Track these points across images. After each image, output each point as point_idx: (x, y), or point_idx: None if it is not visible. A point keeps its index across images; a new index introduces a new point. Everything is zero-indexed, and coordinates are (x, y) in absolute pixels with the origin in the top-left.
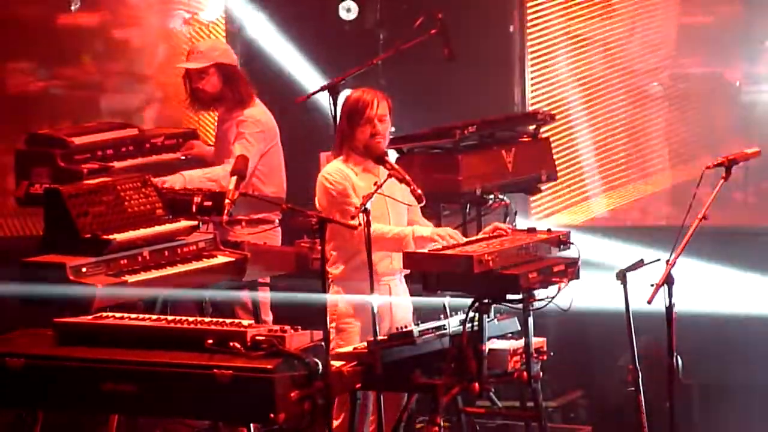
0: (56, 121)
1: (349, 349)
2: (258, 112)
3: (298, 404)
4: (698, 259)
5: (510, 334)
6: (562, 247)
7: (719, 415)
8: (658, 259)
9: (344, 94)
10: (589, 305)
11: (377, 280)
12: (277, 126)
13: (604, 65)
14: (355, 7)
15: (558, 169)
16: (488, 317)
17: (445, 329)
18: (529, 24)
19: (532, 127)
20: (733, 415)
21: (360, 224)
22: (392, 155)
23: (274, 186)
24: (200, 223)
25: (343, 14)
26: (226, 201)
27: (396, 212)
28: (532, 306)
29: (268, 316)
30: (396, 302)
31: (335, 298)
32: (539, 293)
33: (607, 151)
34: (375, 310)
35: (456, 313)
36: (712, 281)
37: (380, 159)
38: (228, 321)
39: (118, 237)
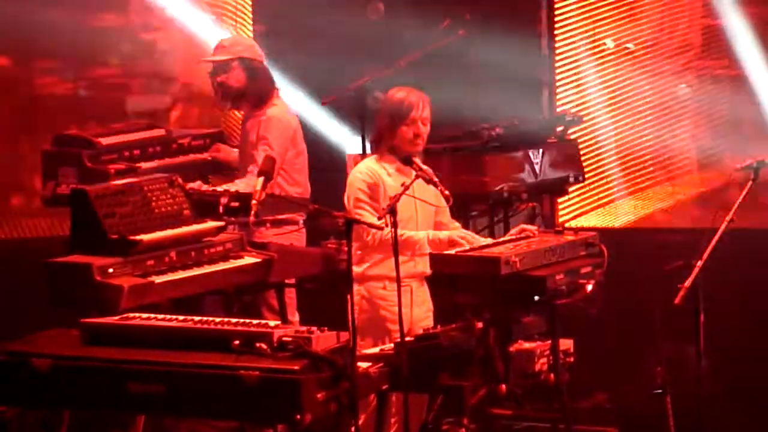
0: (83, 121)
1: (375, 350)
2: (279, 111)
3: (324, 405)
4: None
5: (537, 336)
6: (589, 248)
7: (748, 419)
8: (685, 261)
9: (375, 92)
10: (616, 306)
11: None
12: (302, 128)
13: (631, 67)
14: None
15: (585, 170)
16: (515, 318)
17: (472, 330)
18: (556, 26)
19: (559, 129)
20: (762, 418)
21: (386, 224)
22: None
23: (298, 186)
24: (227, 224)
25: (371, 15)
26: (253, 202)
27: (424, 214)
28: (559, 307)
29: (295, 317)
30: (416, 304)
31: (357, 297)
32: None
33: (634, 152)
34: (401, 310)
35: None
36: (741, 284)
37: (407, 160)
38: (254, 322)
39: (145, 238)
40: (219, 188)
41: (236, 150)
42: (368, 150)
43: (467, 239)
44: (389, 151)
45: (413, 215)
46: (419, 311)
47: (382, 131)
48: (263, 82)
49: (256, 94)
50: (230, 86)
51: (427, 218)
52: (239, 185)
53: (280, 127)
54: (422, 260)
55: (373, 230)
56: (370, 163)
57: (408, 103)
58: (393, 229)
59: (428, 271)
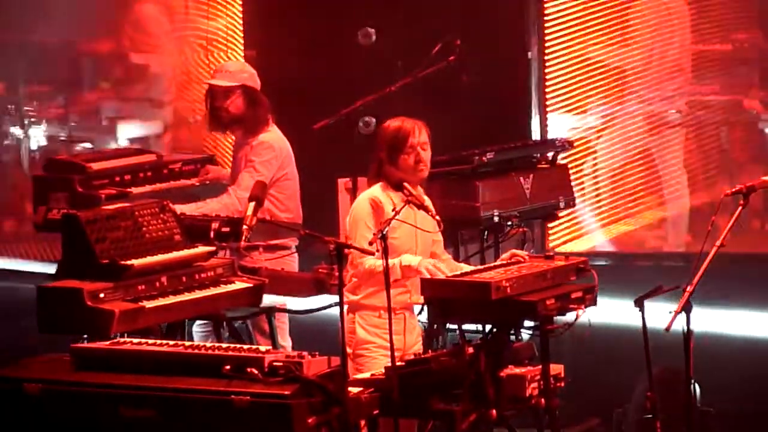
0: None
1: (366, 375)
2: (272, 137)
3: (315, 430)
4: (716, 287)
5: (527, 361)
6: (579, 273)
7: None
8: (677, 286)
9: (365, 118)
10: (607, 332)
11: (393, 311)
12: (294, 152)
13: (622, 92)
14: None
15: (576, 195)
16: (506, 343)
17: (463, 355)
18: (547, 51)
19: (550, 154)
20: None
21: (377, 250)
22: None
23: (290, 212)
24: (218, 249)
25: (362, 41)
26: (244, 227)
27: (423, 243)
28: (550, 333)
29: (287, 342)
30: (408, 331)
31: (353, 325)
32: (557, 320)
33: (625, 177)
34: (392, 336)
35: (473, 339)
36: (731, 308)
37: (398, 185)
38: (245, 347)
39: (136, 263)
40: (186, 207)
41: (227, 170)
42: (359, 175)
43: (439, 269)
44: (391, 179)
45: (413, 247)
46: (411, 338)
47: (382, 164)
48: (260, 111)
49: (251, 122)
50: (228, 112)
51: (426, 249)
52: (211, 204)
53: (270, 152)
54: (416, 293)
55: (363, 262)
56: (376, 191)
57: (404, 131)
58: (383, 255)
59: (421, 302)
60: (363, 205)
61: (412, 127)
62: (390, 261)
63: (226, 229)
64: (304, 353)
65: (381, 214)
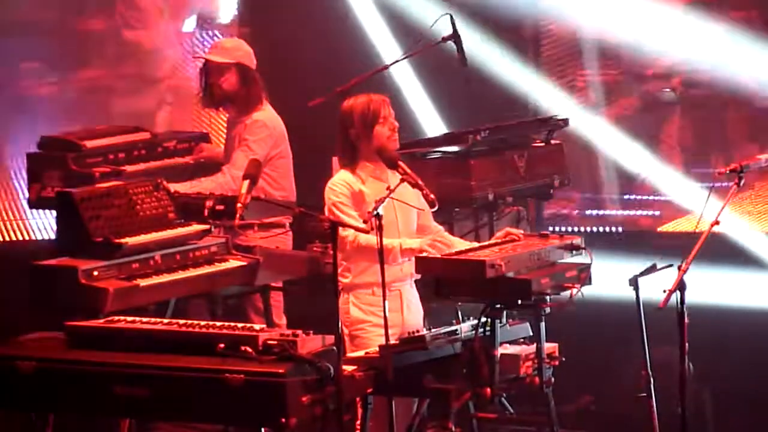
0: (68, 124)
1: (360, 353)
2: (266, 116)
3: (309, 409)
4: (712, 265)
5: (522, 339)
6: (574, 252)
7: (732, 421)
8: (671, 265)
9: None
10: (601, 310)
11: (387, 287)
12: (288, 131)
13: (617, 70)
14: None
15: (570, 174)
16: (500, 322)
17: (457, 334)
18: (542, 28)
19: (544, 132)
20: (747, 420)
21: (372, 228)
22: None
23: (284, 190)
24: (212, 227)
25: None
26: (238, 205)
27: (405, 218)
28: (544, 311)
29: (282, 320)
30: (407, 306)
31: (347, 305)
32: (551, 298)
33: (620, 156)
34: (386, 315)
35: (468, 318)
36: (727, 286)
37: (393, 163)
38: (239, 325)
39: (130, 241)
40: (181, 185)
41: (221, 148)
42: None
43: (437, 247)
44: (363, 158)
45: (394, 220)
46: (409, 313)
47: (355, 141)
48: (254, 89)
49: (245, 100)
50: (221, 89)
51: (408, 222)
52: (205, 183)
53: (264, 130)
54: (408, 262)
55: (350, 233)
56: (344, 175)
57: (374, 105)
58: (377, 233)
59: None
60: (336, 189)
61: (379, 100)
62: (389, 242)
63: (220, 208)
64: (299, 332)
65: (355, 193)
